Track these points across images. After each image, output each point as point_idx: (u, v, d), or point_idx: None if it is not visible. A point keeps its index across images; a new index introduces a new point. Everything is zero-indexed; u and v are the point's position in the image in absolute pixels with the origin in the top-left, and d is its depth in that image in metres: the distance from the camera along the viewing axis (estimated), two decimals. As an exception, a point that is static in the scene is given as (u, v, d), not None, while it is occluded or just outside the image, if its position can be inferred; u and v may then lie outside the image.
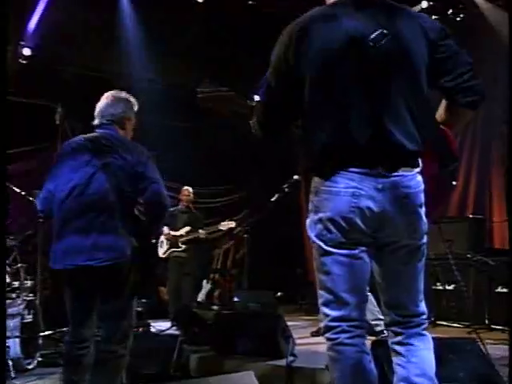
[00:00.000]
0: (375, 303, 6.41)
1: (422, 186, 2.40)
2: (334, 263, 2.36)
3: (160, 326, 7.26)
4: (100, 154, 3.50)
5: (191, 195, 8.56)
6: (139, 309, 6.89)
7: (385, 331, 6.17)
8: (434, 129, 2.54)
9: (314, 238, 2.41)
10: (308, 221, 2.46)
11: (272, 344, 5.10)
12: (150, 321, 7.36)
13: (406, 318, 2.49)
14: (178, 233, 8.25)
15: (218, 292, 10.03)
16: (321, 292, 2.44)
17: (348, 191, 2.30)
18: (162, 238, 8.31)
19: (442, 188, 2.67)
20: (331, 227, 2.34)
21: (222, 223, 7.99)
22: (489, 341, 5.34)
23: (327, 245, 2.36)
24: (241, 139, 11.06)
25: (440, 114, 2.57)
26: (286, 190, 6.80)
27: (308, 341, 6.27)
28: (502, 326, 6.72)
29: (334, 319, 2.39)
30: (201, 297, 9.22)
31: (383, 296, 2.54)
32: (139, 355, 4.55)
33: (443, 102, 2.55)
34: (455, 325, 7.01)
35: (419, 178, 2.41)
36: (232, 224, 7.72)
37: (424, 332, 2.51)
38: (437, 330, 6.90)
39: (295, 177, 6.82)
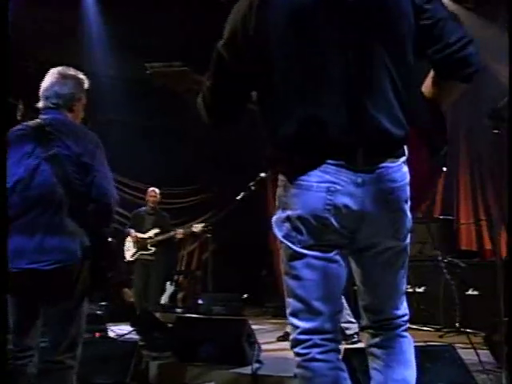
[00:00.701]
0: (346, 305, 6.13)
1: (408, 178, 2.06)
2: (306, 267, 2.01)
3: (121, 329, 6.86)
4: (44, 143, 3.09)
5: (158, 196, 8.27)
6: (98, 312, 6.45)
7: (355, 335, 5.92)
8: (424, 108, 2.17)
9: (282, 239, 2.06)
10: (275, 218, 2.09)
11: (236, 350, 4.74)
12: (110, 324, 6.94)
13: (384, 321, 2.18)
14: (146, 235, 7.91)
15: (181, 294, 9.64)
16: (289, 300, 2.09)
17: (321, 186, 1.94)
18: (129, 240, 7.98)
19: (430, 177, 2.32)
20: (301, 227, 1.99)
21: (195, 225, 7.63)
22: (460, 345, 5.13)
23: (297, 246, 2.01)
24: (206, 138, 10.77)
25: (427, 88, 2.19)
26: (253, 188, 6.51)
27: (274, 346, 5.94)
28: (472, 329, 6.49)
29: (305, 331, 2.04)
30: (164, 299, 8.82)
31: (361, 300, 2.22)
32: (93, 362, 4.19)
33: (430, 75, 2.18)
34: (426, 328, 6.74)
35: (405, 168, 2.05)
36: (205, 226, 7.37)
37: (404, 333, 2.20)
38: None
39: (262, 174, 6.52)
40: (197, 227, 7.65)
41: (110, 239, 3.38)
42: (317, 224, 1.96)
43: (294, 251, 2.01)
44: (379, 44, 1.97)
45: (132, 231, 7.98)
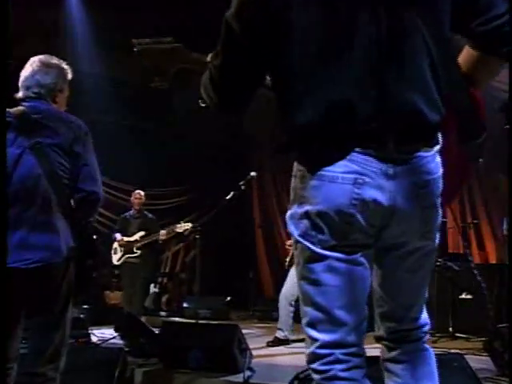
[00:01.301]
0: None
1: (442, 170, 1.78)
2: (327, 270, 1.71)
3: (103, 333, 6.56)
4: (27, 131, 2.80)
5: (143, 198, 8.03)
6: (81, 315, 6.12)
7: (290, 341, 5.64)
8: (460, 86, 1.88)
9: (299, 238, 1.75)
10: (289, 214, 1.79)
11: (227, 357, 4.48)
12: (93, 328, 6.62)
13: (404, 331, 1.91)
14: (132, 238, 7.72)
15: (166, 297, 9.33)
16: (306, 309, 1.77)
17: (348, 177, 1.65)
18: (116, 244, 7.79)
19: (462, 168, 2.03)
20: (322, 225, 1.69)
21: (178, 225, 7.34)
22: (454, 350, 4.94)
23: (317, 246, 1.72)
24: (192, 138, 10.51)
25: (463, 66, 1.89)
26: (243, 187, 6.28)
27: (265, 352, 5.68)
28: (466, 334, 6.30)
29: (325, 345, 1.73)
30: (148, 302, 8.49)
31: (378, 306, 1.92)
32: (76, 370, 3.87)
33: (465, 52, 1.88)
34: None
35: (439, 159, 1.77)
36: (188, 226, 7.04)
37: (424, 346, 1.94)
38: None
39: (252, 173, 6.29)
40: (181, 227, 7.35)
41: (95, 236, 3.11)
42: (340, 221, 1.68)
43: (314, 252, 1.72)
44: (416, 15, 1.68)
45: (118, 236, 7.76)
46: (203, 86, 1.91)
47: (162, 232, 7.60)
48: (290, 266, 6.11)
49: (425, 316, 1.96)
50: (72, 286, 2.86)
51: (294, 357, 5.44)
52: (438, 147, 1.76)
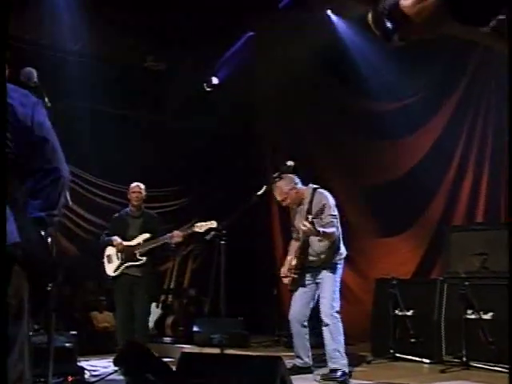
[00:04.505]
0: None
1: None
2: None
3: (94, 366, 5.64)
4: None
5: (143, 193, 6.82)
6: (67, 344, 5.10)
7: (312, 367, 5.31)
8: None
9: None
10: None
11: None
12: (81, 359, 5.63)
13: None
14: (133, 242, 6.55)
15: (171, 319, 8.34)
16: None
17: None
18: (110, 251, 6.63)
19: None
20: None
21: (197, 224, 6.30)
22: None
23: None
24: (190, 131, 9.67)
25: None
26: (277, 179, 5.48)
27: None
28: None
29: None
30: (149, 326, 7.45)
31: None
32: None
33: None
34: (496, 368, 5.57)
35: None
36: (213, 224, 6.03)
37: None
38: (471, 374, 5.56)
39: (289, 162, 5.41)
40: (201, 227, 6.23)
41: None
42: None
43: None
44: None
45: (116, 238, 6.60)
46: None
47: (176, 233, 6.50)
48: (293, 289, 5.83)
49: None
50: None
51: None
52: None
